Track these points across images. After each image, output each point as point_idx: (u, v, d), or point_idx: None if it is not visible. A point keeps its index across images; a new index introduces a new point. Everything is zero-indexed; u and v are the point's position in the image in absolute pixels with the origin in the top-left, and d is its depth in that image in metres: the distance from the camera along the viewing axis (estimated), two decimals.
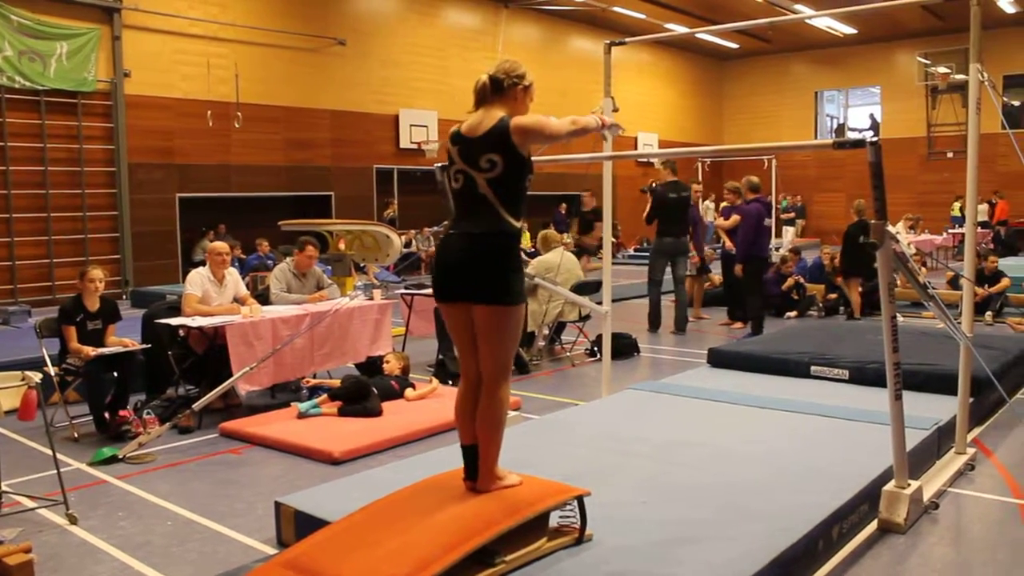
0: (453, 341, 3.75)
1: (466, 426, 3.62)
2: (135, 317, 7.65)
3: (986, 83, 4.77)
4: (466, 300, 3.47)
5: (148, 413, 5.95)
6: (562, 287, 7.81)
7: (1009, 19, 22.47)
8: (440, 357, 7.94)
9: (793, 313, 11.48)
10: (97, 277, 6.16)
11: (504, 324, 3.44)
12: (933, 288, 4.48)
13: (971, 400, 5.23)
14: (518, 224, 3.47)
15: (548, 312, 8.51)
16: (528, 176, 3.52)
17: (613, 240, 8.99)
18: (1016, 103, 24.83)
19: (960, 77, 22.30)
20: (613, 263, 7.18)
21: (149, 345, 6.44)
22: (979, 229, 18.49)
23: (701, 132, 28.57)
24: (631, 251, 21.43)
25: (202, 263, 7.14)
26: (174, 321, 6.50)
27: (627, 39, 6.86)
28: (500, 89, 3.53)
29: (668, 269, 10.29)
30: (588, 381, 7.78)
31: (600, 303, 6.40)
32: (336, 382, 6.53)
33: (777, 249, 15.04)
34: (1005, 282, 10.92)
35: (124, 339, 6.25)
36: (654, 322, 10.36)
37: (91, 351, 5.92)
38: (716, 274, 12.26)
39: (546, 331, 8.72)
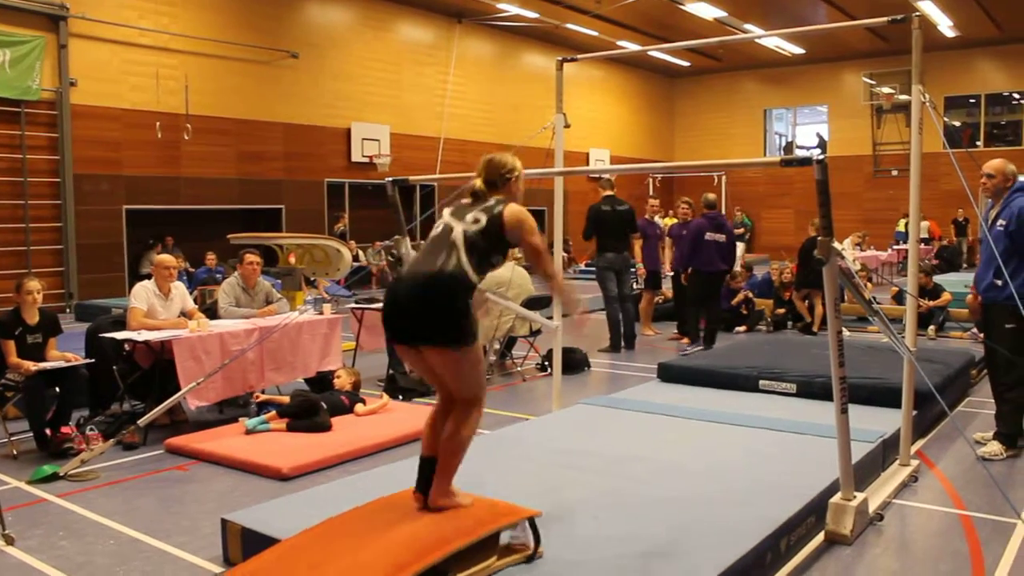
0: (421, 373, 3.83)
1: (431, 439, 3.64)
2: (79, 331, 7.50)
3: (928, 104, 4.89)
4: (416, 343, 3.49)
5: (91, 429, 5.83)
6: (513, 302, 7.81)
7: (949, 43, 23.08)
8: (391, 372, 7.89)
9: (742, 328, 11.62)
10: (34, 288, 6.02)
11: (458, 364, 3.46)
12: (878, 303, 4.56)
13: (914, 413, 5.33)
14: (474, 279, 3.48)
15: (499, 327, 8.51)
16: (501, 255, 3.65)
17: (564, 255, 9.02)
18: (957, 123, 25.50)
19: (904, 97, 22.90)
20: (564, 278, 7.20)
21: (93, 360, 6.30)
22: (921, 246, 18.91)
23: (652, 148, 28.87)
24: (582, 266, 21.51)
25: (149, 276, 7.03)
26: (119, 335, 6.38)
27: (579, 56, 6.91)
28: (495, 186, 3.71)
29: None
30: (539, 396, 7.78)
31: (551, 318, 6.42)
32: (286, 398, 6.46)
33: None
34: (946, 296, 11.16)
35: (67, 353, 6.12)
36: (615, 341, 10.18)
37: (32, 366, 5.77)
38: (667, 288, 12.36)
39: (497, 346, 8.71)
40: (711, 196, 10.64)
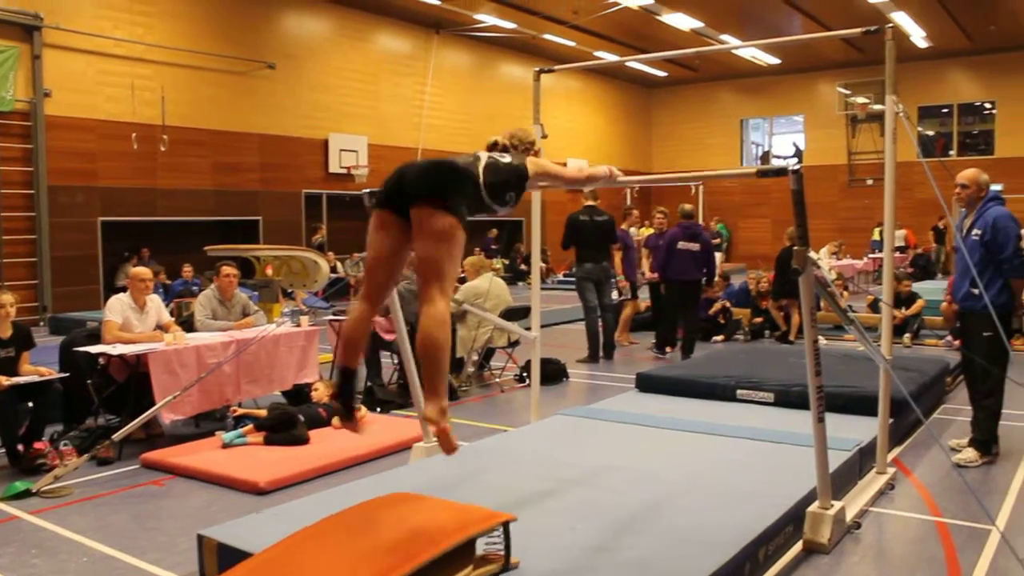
0: (370, 254, 3.64)
1: (351, 349, 3.63)
2: (53, 344, 7.42)
3: (901, 114, 4.93)
4: (414, 200, 3.37)
5: (65, 444, 5.76)
6: (491, 313, 7.80)
7: (922, 53, 23.34)
8: (368, 384, 7.85)
9: (720, 337, 11.67)
10: (7, 302, 5.94)
11: (443, 230, 3.33)
12: (853, 312, 4.60)
13: (891, 421, 5.36)
14: (483, 182, 3.58)
15: (477, 338, 8.49)
16: (515, 196, 3.79)
17: (542, 265, 9.03)
18: (930, 133, 25.78)
19: (878, 107, 23.11)
20: (542, 288, 7.21)
21: (67, 374, 6.23)
22: (897, 254, 19.07)
23: (630, 158, 28.96)
24: (560, 276, 21.55)
25: (125, 289, 6.96)
26: (94, 349, 6.32)
27: (556, 66, 6.93)
28: (514, 150, 3.95)
29: None
30: (517, 407, 7.77)
31: (529, 328, 6.41)
32: (263, 412, 6.41)
33: None
34: (919, 303, 11.26)
35: (40, 367, 6.04)
36: (594, 352, 10.13)
37: (4, 380, 5.68)
38: (644, 299, 12.39)
39: (475, 357, 8.69)
40: (687, 207, 10.71)
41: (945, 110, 25.78)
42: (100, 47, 14.63)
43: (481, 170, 3.60)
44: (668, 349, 10.42)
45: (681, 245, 10.15)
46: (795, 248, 3.95)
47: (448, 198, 3.36)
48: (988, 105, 25.39)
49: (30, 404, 5.87)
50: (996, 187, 5.89)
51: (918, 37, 21.88)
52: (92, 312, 12.31)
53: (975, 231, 5.64)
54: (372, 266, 3.62)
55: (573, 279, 10.73)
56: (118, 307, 6.65)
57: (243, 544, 3.78)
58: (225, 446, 5.94)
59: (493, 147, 3.91)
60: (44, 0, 13.82)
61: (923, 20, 20.51)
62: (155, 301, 6.95)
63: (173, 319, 7.23)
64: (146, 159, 15.26)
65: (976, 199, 5.74)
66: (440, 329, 3.28)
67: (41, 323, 13.29)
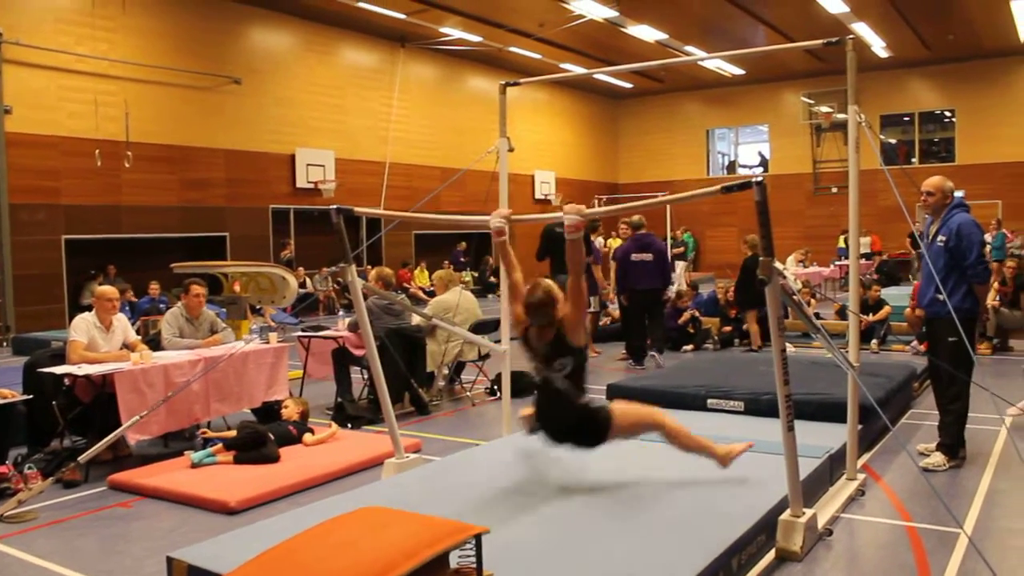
0: None
1: None
2: (16, 365, 7.30)
3: (863, 124, 4.99)
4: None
5: (30, 467, 5.66)
6: (461, 327, 7.79)
7: (882, 63, 23.69)
8: (339, 400, 7.80)
9: (690, 346, 11.72)
10: None
11: (617, 431, 4.51)
12: (820, 320, 4.64)
13: (860, 427, 5.40)
14: (596, 403, 4.62)
15: (447, 352, 8.47)
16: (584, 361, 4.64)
17: None
18: (893, 141, 26.14)
19: (841, 116, 23.36)
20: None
21: (31, 395, 6.13)
22: (863, 261, 19.29)
23: (597, 169, 29.12)
24: None
25: (91, 308, 6.87)
26: (59, 369, 6.22)
27: (522, 79, 6.95)
28: (549, 322, 4.59)
29: None
30: (489, 420, 7.75)
31: (499, 341, 6.41)
32: (232, 432, 6.33)
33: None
34: (886, 310, 11.38)
35: (3, 389, 5.93)
36: None
37: None
38: (614, 308, 12.44)
39: (446, 371, 8.67)
40: (635, 218, 10.74)
41: (907, 118, 26.17)
42: (62, 63, 14.48)
43: (577, 394, 4.53)
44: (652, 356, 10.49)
45: (635, 257, 10.33)
46: (761, 258, 3.97)
47: (598, 437, 4.51)
48: (948, 113, 25.80)
49: None
50: (958, 194, 5.97)
51: (878, 47, 22.21)
52: (57, 332, 12.13)
53: (940, 237, 5.72)
54: None
55: None
56: (83, 327, 6.56)
57: (214, 565, 3.73)
58: (194, 466, 5.86)
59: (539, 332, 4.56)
60: (3, 15, 13.69)
61: (883, 30, 20.81)
62: (121, 320, 6.87)
63: (140, 338, 7.14)
64: (110, 176, 15.11)
65: (941, 206, 5.81)
66: (675, 432, 4.67)
67: (4, 343, 13.10)
